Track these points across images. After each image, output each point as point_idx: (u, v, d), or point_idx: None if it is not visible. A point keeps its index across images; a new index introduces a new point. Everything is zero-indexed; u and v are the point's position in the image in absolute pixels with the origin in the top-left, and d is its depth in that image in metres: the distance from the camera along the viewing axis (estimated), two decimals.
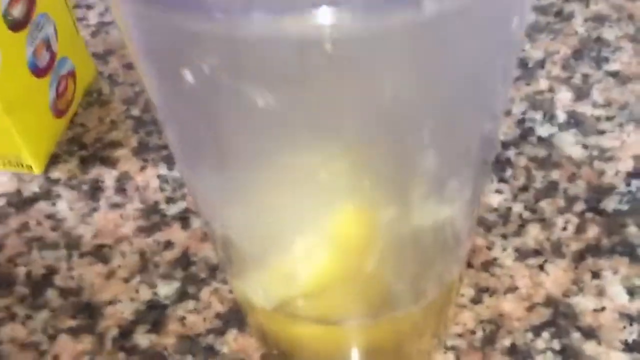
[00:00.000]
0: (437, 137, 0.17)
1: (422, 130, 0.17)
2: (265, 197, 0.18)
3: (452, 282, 0.22)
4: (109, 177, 0.32)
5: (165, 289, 0.27)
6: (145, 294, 0.27)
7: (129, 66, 0.37)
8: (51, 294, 0.28)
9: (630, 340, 0.24)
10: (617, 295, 0.25)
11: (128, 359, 0.25)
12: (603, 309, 0.25)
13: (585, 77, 0.33)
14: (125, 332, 0.26)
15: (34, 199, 0.31)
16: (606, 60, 0.34)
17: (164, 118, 0.18)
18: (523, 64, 0.34)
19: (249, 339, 0.26)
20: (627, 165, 0.29)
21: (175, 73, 0.14)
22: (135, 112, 0.35)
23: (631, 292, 0.25)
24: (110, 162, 0.32)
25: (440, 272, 0.21)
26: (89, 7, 0.41)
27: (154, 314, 0.27)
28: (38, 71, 0.29)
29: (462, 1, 0.13)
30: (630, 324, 0.25)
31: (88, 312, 0.27)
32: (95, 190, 0.31)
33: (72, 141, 0.33)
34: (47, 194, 0.31)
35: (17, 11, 0.27)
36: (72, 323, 0.27)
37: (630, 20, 0.36)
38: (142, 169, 0.32)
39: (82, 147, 0.33)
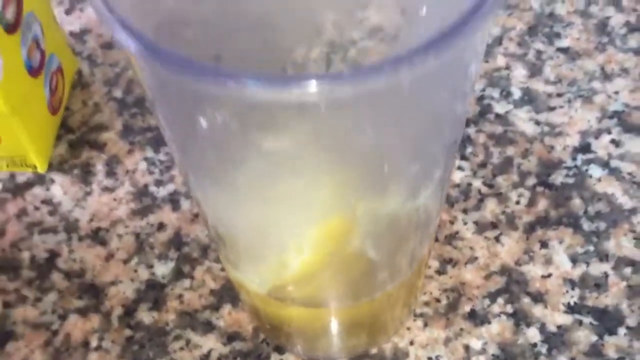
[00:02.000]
0: (410, 156, 0.20)
1: (397, 153, 0.20)
2: (262, 207, 0.21)
3: (423, 257, 0.26)
4: (98, 160, 0.34)
5: (162, 269, 0.30)
6: (143, 274, 0.30)
7: (107, 46, 0.38)
8: (56, 277, 0.30)
9: (572, 303, 0.28)
10: (562, 262, 0.29)
11: (134, 335, 0.28)
12: (549, 275, 0.29)
13: (539, 53, 0.36)
14: (129, 310, 0.29)
15: (28, 184, 0.33)
16: (558, 36, 0.37)
17: (171, 143, 0.20)
18: None
19: (242, 313, 0.29)
20: (574, 140, 0.33)
21: (188, 117, 0.16)
22: (117, 93, 0.36)
23: (574, 260, 0.29)
24: (98, 146, 0.34)
25: (413, 251, 0.24)
26: None
27: (153, 293, 0.30)
28: (33, 71, 0.30)
29: (429, 67, 0.15)
30: (572, 289, 0.28)
31: (93, 293, 0.30)
32: (86, 174, 0.33)
33: (60, 125, 0.35)
34: (40, 179, 0.33)
35: (9, 13, 0.28)
36: (79, 303, 0.29)
37: None
38: (130, 152, 0.34)
39: (69, 131, 0.35)
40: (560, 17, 0.37)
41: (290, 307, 0.24)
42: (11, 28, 0.28)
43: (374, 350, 0.27)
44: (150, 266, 0.30)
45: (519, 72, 0.35)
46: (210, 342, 0.28)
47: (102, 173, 0.33)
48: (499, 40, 0.37)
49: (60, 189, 0.33)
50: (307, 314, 0.24)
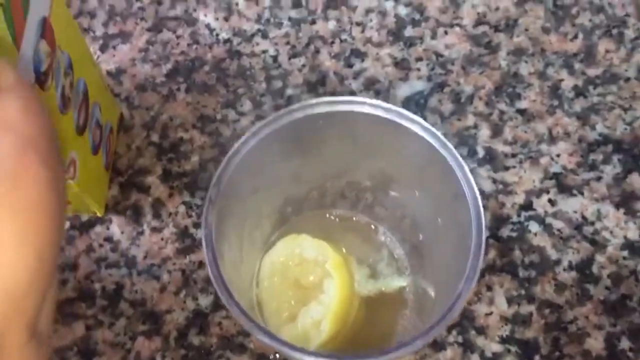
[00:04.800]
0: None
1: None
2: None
3: None
4: (145, 202, 0.42)
5: (205, 301, 0.40)
6: (190, 304, 0.40)
7: (141, 88, 0.45)
8: (124, 305, 0.40)
9: (504, 335, 0.39)
10: (500, 303, 0.40)
11: (187, 353, 0.39)
12: (491, 313, 0.40)
13: (502, 113, 0.44)
14: (182, 334, 0.39)
15: (91, 223, 0.41)
16: (518, 97, 0.44)
17: None
18: (457, 98, 0.44)
19: None
20: (521, 198, 0.42)
21: None
22: (155, 137, 0.43)
23: (509, 301, 0.40)
24: (144, 189, 0.42)
25: None
26: (92, 15, 0.46)
27: (199, 320, 0.40)
28: (95, 148, 0.38)
29: None
30: (506, 324, 0.40)
31: (153, 319, 0.40)
32: (137, 215, 0.42)
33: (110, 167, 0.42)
34: (100, 218, 0.41)
35: (82, 118, 0.35)
36: (144, 327, 0.39)
37: (542, 55, 0.46)
38: (170, 195, 0.42)
39: (118, 174, 0.43)
40: (522, 78, 0.45)
41: None
42: (82, 128, 0.35)
43: None
44: (195, 298, 0.40)
45: (484, 132, 0.44)
46: None
47: (150, 214, 0.42)
48: (470, 99, 0.44)
49: (118, 228, 0.41)
50: None
